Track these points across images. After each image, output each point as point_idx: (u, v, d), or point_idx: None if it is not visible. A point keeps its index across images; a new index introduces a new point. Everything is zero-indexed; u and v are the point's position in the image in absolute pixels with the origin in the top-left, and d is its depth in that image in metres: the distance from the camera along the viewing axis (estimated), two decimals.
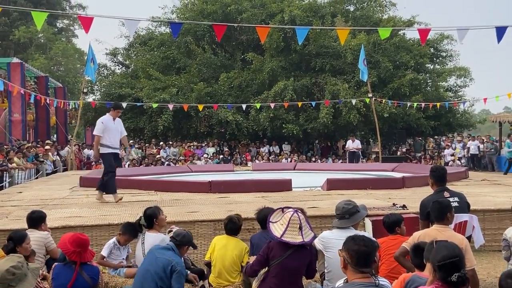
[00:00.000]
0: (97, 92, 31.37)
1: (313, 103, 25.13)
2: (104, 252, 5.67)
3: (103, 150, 9.45)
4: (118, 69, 33.43)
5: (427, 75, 30.05)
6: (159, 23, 30.95)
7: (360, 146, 23.78)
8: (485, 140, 24.96)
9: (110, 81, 29.68)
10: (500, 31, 8.28)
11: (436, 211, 4.71)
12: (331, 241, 4.91)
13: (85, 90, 27.31)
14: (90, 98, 31.30)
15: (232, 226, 5.64)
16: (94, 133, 9.57)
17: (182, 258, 5.59)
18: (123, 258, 5.75)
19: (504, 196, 9.40)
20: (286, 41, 26.63)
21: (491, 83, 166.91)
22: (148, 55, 30.37)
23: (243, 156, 26.42)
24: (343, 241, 3.48)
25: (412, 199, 8.56)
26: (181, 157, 24.66)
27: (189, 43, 28.64)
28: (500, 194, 9.92)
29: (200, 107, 24.06)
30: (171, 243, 4.93)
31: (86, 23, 9.29)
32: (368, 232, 6.19)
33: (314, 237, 4.68)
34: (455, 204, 5.38)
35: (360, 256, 3.25)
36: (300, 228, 4.49)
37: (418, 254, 3.96)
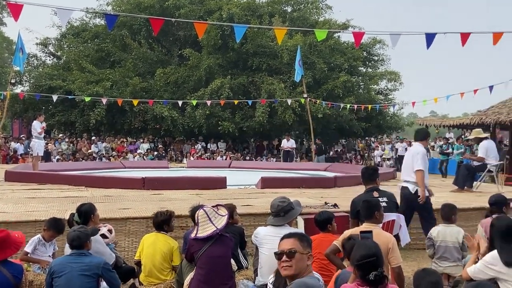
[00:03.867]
0: (26, 83, 30.13)
1: (250, 102, 25.26)
2: (28, 248, 5.43)
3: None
4: (49, 60, 32.26)
5: (360, 77, 30.92)
6: (94, 14, 30.09)
7: (294, 145, 24.12)
8: (411, 142, 25.98)
9: (40, 72, 28.55)
10: (430, 38, 8.64)
11: (365, 209, 4.85)
12: (266, 238, 4.96)
13: (13, 81, 26.10)
14: (18, 89, 29.95)
15: (165, 218, 5.57)
16: (420, 167, 7.05)
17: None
18: (49, 255, 5.53)
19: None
20: (224, 39, 26.60)
21: (419, 88, 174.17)
22: (81, 47, 29.52)
23: (188, 152, 26.13)
24: (279, 238, 3.51)
25: (343, 198, 8.75)
26: (114, 153, 24.08)
27: (125, 36, 28.06)
28: None
29: (135, 102, 23.58)
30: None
31: (16, 10, 8.85)
32: (300, 230, 6.27)
33: (227, 223, 4.75)
34: (384, 203, 5.55)
35: None
36: (210, 219, 4.58)
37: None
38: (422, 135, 7.62)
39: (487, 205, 6.38)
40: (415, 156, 7.14)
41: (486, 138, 11.28)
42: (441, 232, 5.88)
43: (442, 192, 10.71)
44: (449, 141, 23.91)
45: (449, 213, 6.01)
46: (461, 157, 16.76)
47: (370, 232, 3.74)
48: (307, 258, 3.26)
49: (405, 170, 7.34)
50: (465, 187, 10.69)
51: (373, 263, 3.19)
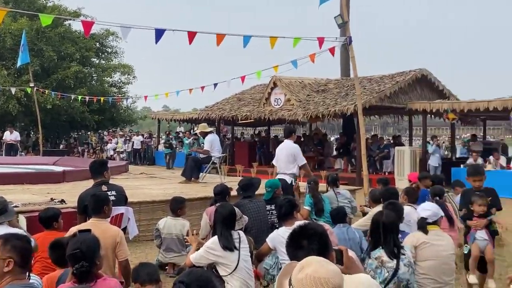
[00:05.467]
0: None
1: None
2: None
3: None
4: None
5: (93, 69, 30.16)
6: None
7: (18, 138, 22.22)
8: (153, 136, 26.47)
9: None
10: (159, 33, 8.85)
11: (93, 204, 4.73)
12: None
13: None
14: None
15: None
16: (304, 161, 8.41)
17: None
18: None
19: (159, 188, 10.10)
20: None
21: (152, 82, 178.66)
22: None
23: None
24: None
25: (72, 193, 8.36)
26: None
27: None
28: (156, 186, 10.62)
29: None
30: None
31: None
32: (23, 229, 5.79)
33: None
34: (113, 197, 5.49)
35: None
36: None
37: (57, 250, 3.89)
38: (288, 132, 8.61)
39: (212, 195, 6.84)
40: (296, 154, 8.19)
41: (211, 132, 12.11)
42: (167, 224, 6.10)
43: (172, 184, 11.17)
44: (180, 135, 25.06)
45: (177, 207, 6.27)
46: (189, 150, 17.73)
47: (89, 230, 3.62)
48: (5, 264, 2.92)
49: (282, 164, 8.25)
50: (192, 178, 11.30)
51: (77, 256, 3.12)
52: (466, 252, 4.86)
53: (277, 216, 5.48)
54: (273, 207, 6.58)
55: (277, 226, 5.75)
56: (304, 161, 8.42)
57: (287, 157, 8.22)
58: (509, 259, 5.44)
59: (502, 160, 15.55)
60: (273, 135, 27.53)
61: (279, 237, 4.80)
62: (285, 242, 2.90)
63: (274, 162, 8.64)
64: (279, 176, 8.22)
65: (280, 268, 4.81)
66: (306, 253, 2.57)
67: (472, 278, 5.17)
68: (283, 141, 8.77)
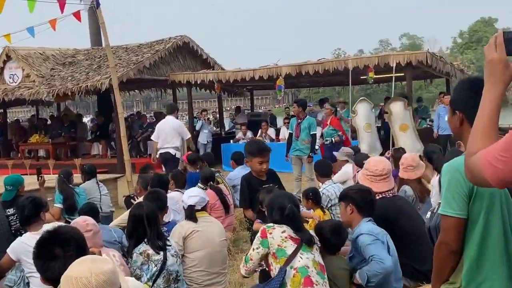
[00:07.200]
0: None
1: None
2: None
3: None
4: None
5: None
6: None
7: None
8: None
9: None
10: None
11: None
12: None
13: None
14: None
15: None
16: (189, 135, 11.05)
17: None
18: None
19: None
20: None
21: None
22: None
23: None
24: None
25: None
26: None
27: None
28: None
29: None
30: None
31: None
32: None
33: None
34: None
35: None
36: None
37: None
38: (171, 109, 11.04)
39: None
40: (180, 128, 10.39)
41: None
42: None
43: None
44: None
45: None
46: None
47: None
48: None
49: (166, 138, 10.11)
50: None
51: None
52: None
53: (19, 220, 5.18)
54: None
55: (23, 232, 5.45)
56: (189, 135, 10.63)
57: (171, 131, 10.11)
58: None
59: (271, 132, 16.82)
60: (14, 119, 25.66)
61: (23, 245, 4.55)
62: (32, 252, 2.76)
63: (153, 138, 10.59)
64: (162, 150, 10.09)
65: (28, 283, 4.58)
66: (63, 263, 2.48)
67: None
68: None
